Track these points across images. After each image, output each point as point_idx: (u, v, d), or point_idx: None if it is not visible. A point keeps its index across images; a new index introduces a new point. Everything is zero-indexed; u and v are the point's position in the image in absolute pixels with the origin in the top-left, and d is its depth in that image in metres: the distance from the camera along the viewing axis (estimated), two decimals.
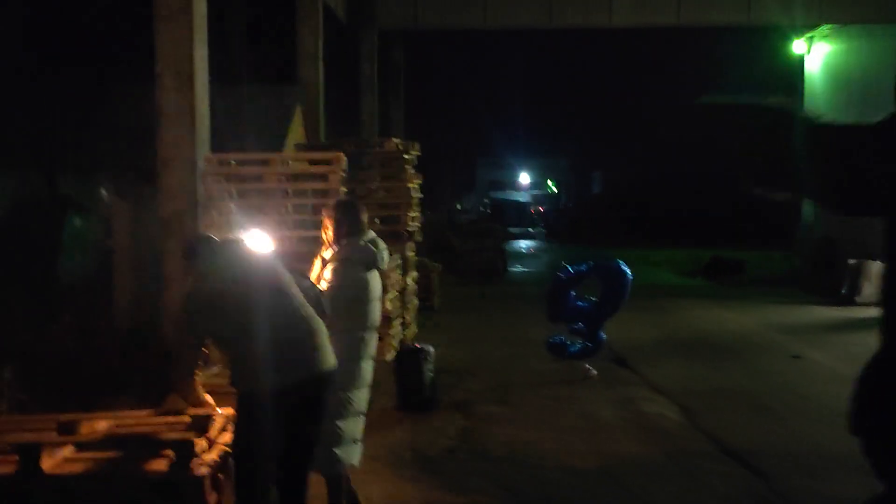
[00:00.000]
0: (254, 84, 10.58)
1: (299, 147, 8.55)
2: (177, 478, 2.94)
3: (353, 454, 3.64)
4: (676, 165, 30.29)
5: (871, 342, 2.40)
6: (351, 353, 3.55)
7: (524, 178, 55.06)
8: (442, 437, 5.17)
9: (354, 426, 3.63)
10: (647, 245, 21.77)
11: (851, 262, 11.85)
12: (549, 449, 4.91)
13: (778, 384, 6.49)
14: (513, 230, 34.50)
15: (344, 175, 6.55)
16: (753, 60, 24.82)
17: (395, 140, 8.62)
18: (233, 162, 6.37)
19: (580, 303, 6.89)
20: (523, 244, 27.77)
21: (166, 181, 6.41)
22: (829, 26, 19.04)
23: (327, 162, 6.44)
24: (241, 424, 2.98)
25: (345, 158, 6.60)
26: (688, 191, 28.69)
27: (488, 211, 39.99)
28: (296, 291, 3.17)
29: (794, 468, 4.44)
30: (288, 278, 3.22)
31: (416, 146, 8.94)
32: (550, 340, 7.09)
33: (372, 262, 3.67)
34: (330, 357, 3.14)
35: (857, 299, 11.42)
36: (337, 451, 3.53)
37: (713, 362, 7.53)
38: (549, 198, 51.92)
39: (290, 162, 6.69)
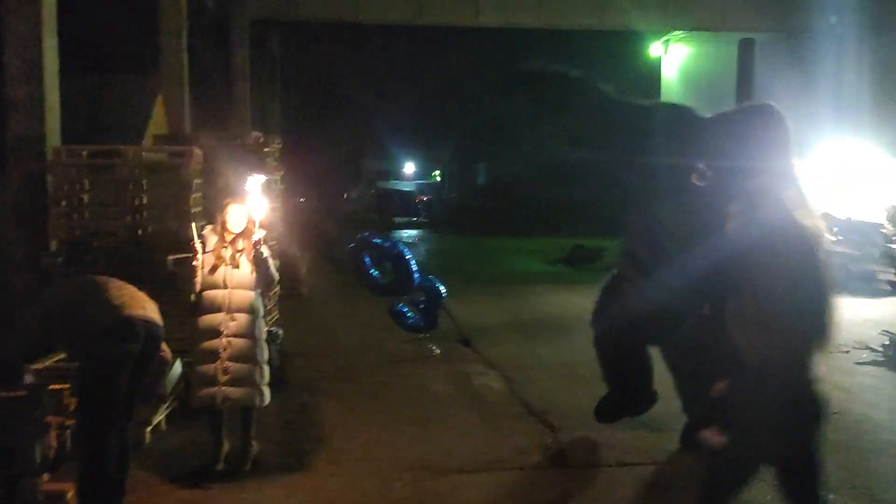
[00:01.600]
0: (115, 73, 10.54)
1: (158, 139, 8.68)
2: (10, 443, 3.29)
3: (267, 395, 4.47)
4: (555, 157, 31.63)
5: None
6: (262, 312, 4.46)
7: (409, 167, 55.71)
8: (283, 410, 5.62)
9: (267, 371, 4.48)
10: (523, 234, 22.88)
11: None
12: (379, 418, 5.47)
13: (595, 357, 7.32)
14: (397, 219, 35.02)
15: (199, 168, 6.83)
16: (619, 62, 26.44)
17: (255, 133, 8.93)
18: (84, 153, 6.51)
19: (377, 277, 7.60)
20: (406, 234, 28.32)
21: (15, 171, 6.51)
22: (683, 32, 20.70)
23: (181, 155, 6.70)
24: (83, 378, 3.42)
25: (199, 153, 6.88)
26: (565, 181, 30.04)
27: (368, 200, 40.19)
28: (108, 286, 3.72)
29: (580, 423, 5.20)
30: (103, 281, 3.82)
31: (278, 139, 9.27)
32: (394, 307, 7.71)
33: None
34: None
35: None
36: (264, 388, 4.41)
37: (546, 340, 8.35)
38: (433, 188, 52.76)
39: (144, 154, 6.88)
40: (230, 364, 4.28)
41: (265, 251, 4.36)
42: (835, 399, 5.88)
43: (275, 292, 9.53)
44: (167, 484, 4.20)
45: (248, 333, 4.34)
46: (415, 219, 38.25)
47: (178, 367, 5.41)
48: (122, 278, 5.36)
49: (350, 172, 53.69)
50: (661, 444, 4.80)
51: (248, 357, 4.33)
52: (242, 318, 4.32)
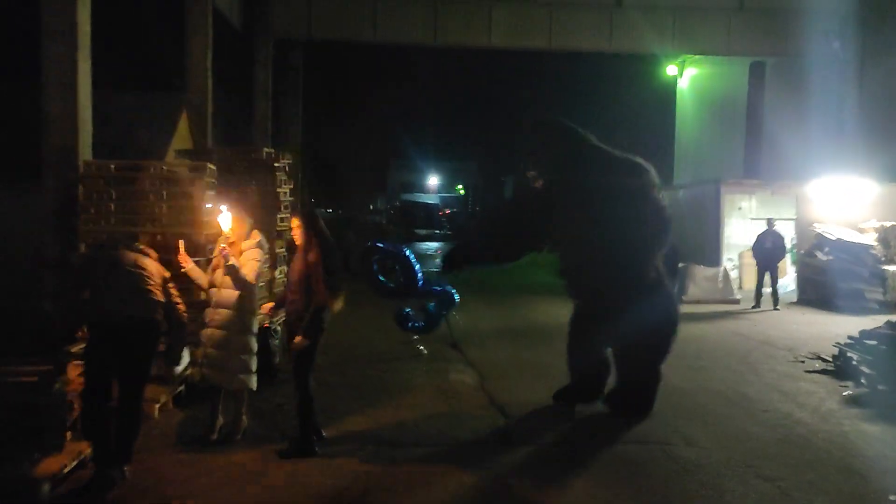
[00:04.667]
0: (144, 91, 11.44)
1: (179, 153, 9.54)
2: (37, 401, 4.09)
3: (252, 380, 5.22)
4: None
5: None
6: (253, 307, 5.20)
7: (434, 180, 56.50)
8: (277, 396, 6.38)
9: (253, 361, 5.23)
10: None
11: (680, 265, 13.65)
12: (357, 404, 6.20)
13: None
14: (420, 231, 35.82)
15: (212, 181, 7.63)
16: (636, 82, 27.13)
17: (266, 149, 9.74)
18: (112, 166, 7.35)
19: (384, 280, 8.13)
20: (428, 245, 29.06)
21: (49, 182, 7.37)
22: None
23: (196, 169, 7.51)
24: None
25: (212, 167, 7.69)
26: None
27: (392, 211, 40.91)
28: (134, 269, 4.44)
29: (533, 413, 5.90)
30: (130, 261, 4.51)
31: (288, 155, 10.06)
32: (399, 311, 8.26)
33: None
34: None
35: (684, 298, 13.09)
36: (242, 376, 5.11)
37: (528, 344, 9.02)
38: (457, 201, 53.43)
39: (164, 168, 7.71)
40: (210, 350, 5.10)
41: (231, 259, 5.05)
42: (770, 399, 6.52)
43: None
44: (170, 448, 4.98)
45: (226, 326, 5.09)
46: (438, 231, 38.84)
47: (185, 356, 6.21)
48: None
49: (375, 184, 54.75)
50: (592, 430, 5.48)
51: (222, 346, 5.08)
52: (224, 312, 5.10)
